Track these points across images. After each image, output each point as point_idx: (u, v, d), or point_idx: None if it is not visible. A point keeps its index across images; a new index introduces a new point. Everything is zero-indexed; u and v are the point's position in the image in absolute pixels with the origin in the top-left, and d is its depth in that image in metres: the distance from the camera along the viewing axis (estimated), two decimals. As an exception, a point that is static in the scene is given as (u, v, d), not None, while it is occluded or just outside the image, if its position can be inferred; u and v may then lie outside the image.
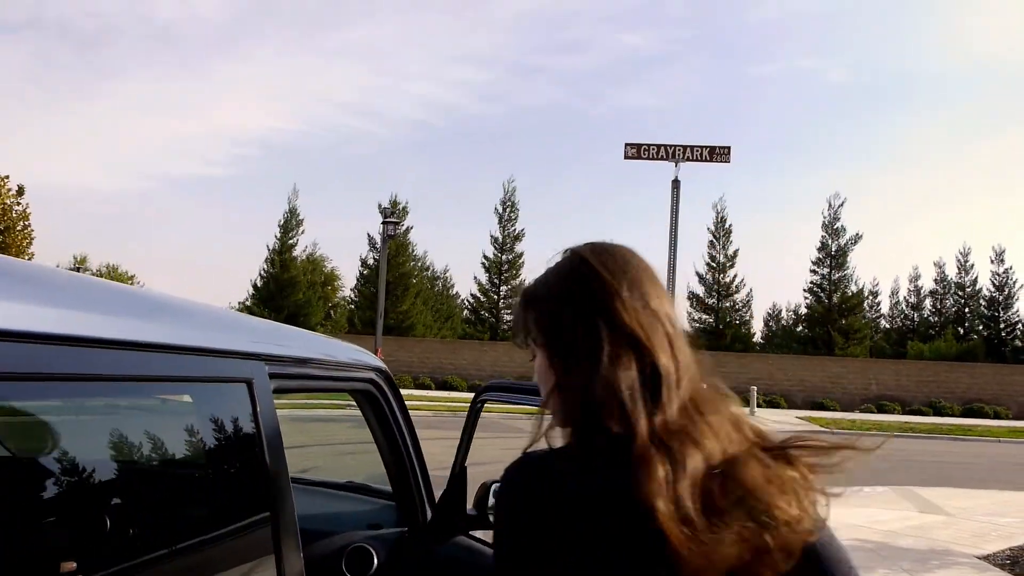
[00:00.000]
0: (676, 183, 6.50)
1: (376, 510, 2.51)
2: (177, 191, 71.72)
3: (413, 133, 73.09)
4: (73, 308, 0.92)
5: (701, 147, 6.67)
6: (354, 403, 2.25)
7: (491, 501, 2.43)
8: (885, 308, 47.05)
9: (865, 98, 72.38)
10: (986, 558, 7.07)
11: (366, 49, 73.66)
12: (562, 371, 0.96)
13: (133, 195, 71.21)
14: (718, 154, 6.73)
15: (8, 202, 29.81)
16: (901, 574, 6.40)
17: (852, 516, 9.13)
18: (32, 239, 30.63)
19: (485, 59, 73.44)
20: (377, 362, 2.22)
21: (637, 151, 6.63)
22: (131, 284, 48.49)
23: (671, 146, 6.58)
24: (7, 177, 29.64)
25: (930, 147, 71.44)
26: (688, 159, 6.70)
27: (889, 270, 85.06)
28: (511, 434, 18.26)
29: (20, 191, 30.31)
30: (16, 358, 0.79)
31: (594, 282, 0.97)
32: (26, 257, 28.01)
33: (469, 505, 2.43)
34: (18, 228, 30.22)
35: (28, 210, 30.63)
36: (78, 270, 42.79)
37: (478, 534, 2.41)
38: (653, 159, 6.69)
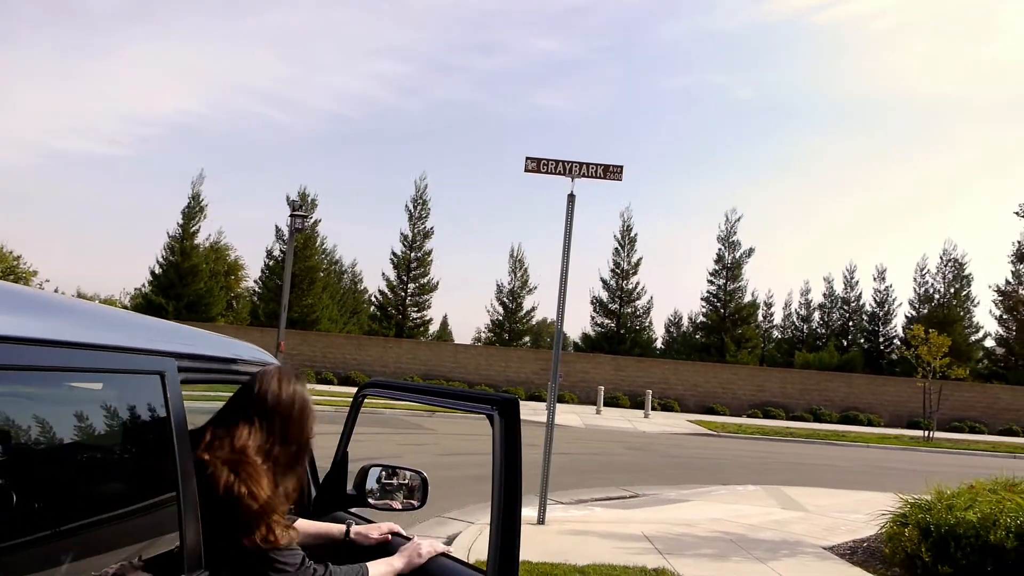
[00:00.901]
0: (571, 198, 6.87)
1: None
2: (72, 169, 68.37)
3: (327, 124, 72.12)
4: (63, 320, 1.24)
5: (596, 164, 7.10)
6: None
7: (369, 484, 2.83)
8: (778, 319, 49.56)
9: (768, 116, 75.84)
10: (831, 548, 7.87)
11: (281, 36, 72.17)
12: None
13: (20, 170, 67.38)
14: (611, 172, 7.16)
15: None
16: (753, 562, 7.09)
17: (720, 511, 9.88)
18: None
19: (402, 54, 73.20)
20: (270, 359, 2.55)
21: (536, 165, 6.97)
22: (17, 264, 45.77)
23: (568, 162, 6.96)
24: None
25: (826, 167, 75.49)
26: (583, 175, 7.09)
27: (785, 283, 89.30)
28: (410, 430, 18.53)
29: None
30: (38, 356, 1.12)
31: None
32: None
33: (350, 487, 2.83)
34: None
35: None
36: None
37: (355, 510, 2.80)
38: (551, 174, 7.04)
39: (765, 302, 47.50)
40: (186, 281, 40.69)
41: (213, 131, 69.25)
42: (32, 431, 1.26)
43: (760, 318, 46.26)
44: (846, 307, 46.89)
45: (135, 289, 47.78)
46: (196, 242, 42.20)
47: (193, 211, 42.04)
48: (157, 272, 41.50)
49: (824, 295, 47.81)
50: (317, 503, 2.73)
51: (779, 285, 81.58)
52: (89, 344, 1.40)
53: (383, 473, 2.86)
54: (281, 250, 41.66)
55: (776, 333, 49.23)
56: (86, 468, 1.43)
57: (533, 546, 7.02)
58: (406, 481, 2.88)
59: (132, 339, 1.58)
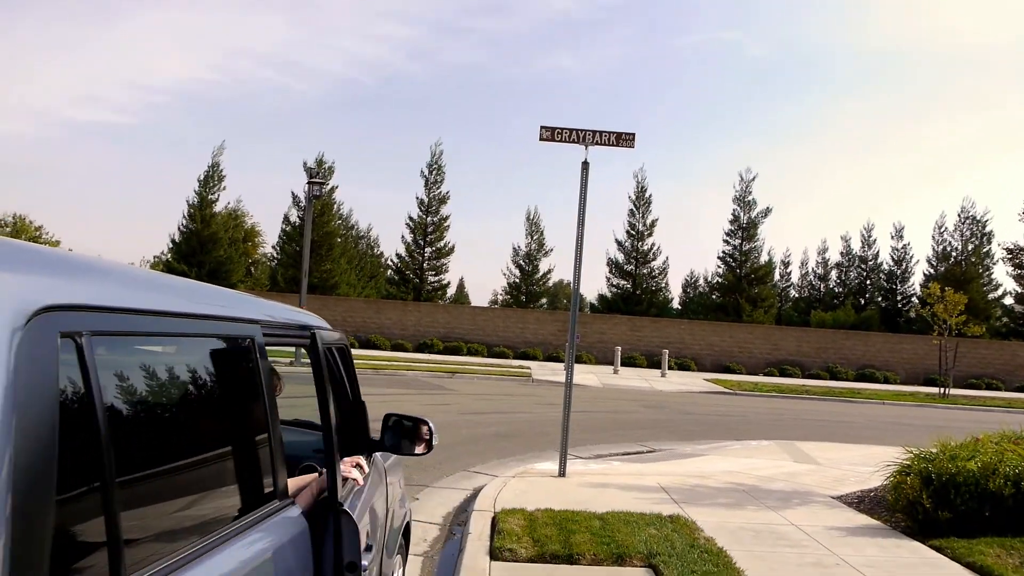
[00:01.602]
0: (585, 165, 7.07)
1: (317, 439, 3.21)
2: (84, 139, 68.84)
3: (339, 88, 71.95)
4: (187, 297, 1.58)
5: (609, 132, 7.30)
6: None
7: (389, 431, 3.22)
8: (795, 278, 49.57)
9: (782, 72, 74.82)
10: (839, 498, 8.22)
11: (289, 1, 71.73)
12: None
13: (36, 141, 67.96)
14: (624, 139, 7.35)
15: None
16: (765, 510, 7.46)
17: (733, 465, 10.27)
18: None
19: (412, 16, 72.61)
20: (325, 324, 2.90)
21: (551, 134, 7.16)
22: (39, 235, 46.37)
23: (581, 131, 7.15)
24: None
25: (841, 123, 74.59)
26: (597, 143, 7.29)
27: (801, 242, 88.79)
28: (432, 391, 19.00)
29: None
30: (144, 324, 1.45)
31: None
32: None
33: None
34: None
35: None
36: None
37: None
38: (565, 142, 7.25)
39: (782, 261, 47.59)
40: (207, 248, 41.24)
41: (223, 97, 69.42)
42: (162, 382, 1.61)
43: (776, 277, 46.34)
44: (863, 266, 46.80)
45: (154, 257, 48.49)
46: (215, 210, 42.67)
47: (211, 179, 42.44)
48: (178, 240, 42.07)
49: (841, 254, 47.77)
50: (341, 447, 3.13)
51: (796, 244, 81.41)
52: (201, 315, 1.74)
53: (399, 421, 3.24)
54: (299, 216, 42.07)
55: (793, 292, 49.34)
56: (200, 412, 1.78)
57: (555, 496, 7.43)
58: (414, 428, 3.26)
59: (231, 310, 1.91)
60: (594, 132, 8.47)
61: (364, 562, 2.28)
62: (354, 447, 3.15)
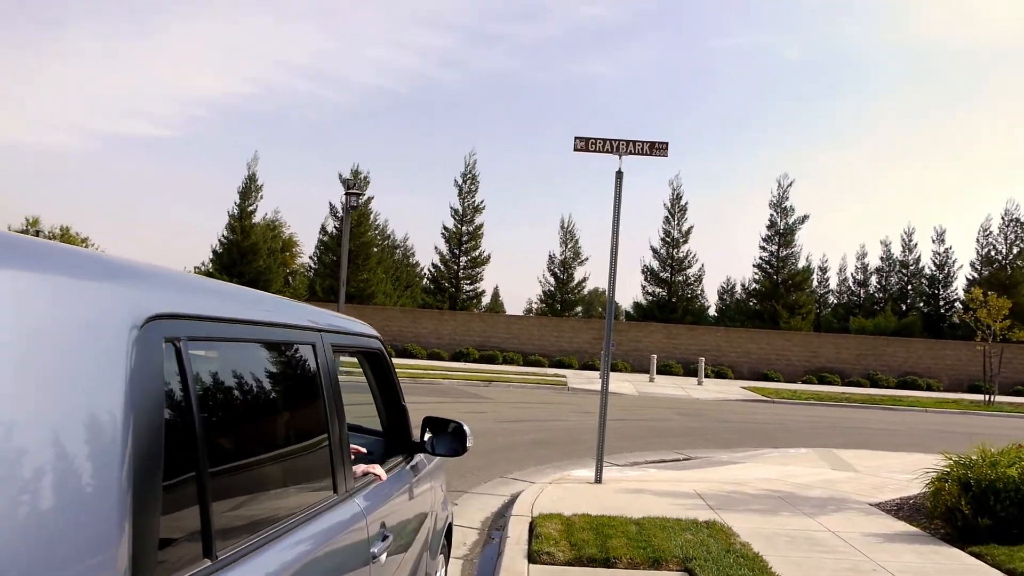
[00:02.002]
0: (619, 175, 7.15)
1: (371, 442, 3.39)
2: (126, 151, 70.57)
3: (372, 98, 72.86)
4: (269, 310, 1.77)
5: (642, 142, 7.41)
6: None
7: (427, 434, 3.38)
8: (834, 284, 48.96)
9: (819, 74, 74.05)
10: (877, 504, 8.21)
11: (321, 10, 72.87)
12: None
13: (80, 154, 69.86)
14: (657, 148, 7.45)
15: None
16: (801, 516, 7.49)
17: (770, 472, 10.27)
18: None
19: (444, 25, 73.33)
20: (374, 331, 3.08)
21: (585, 144, 7.27)
22: (84, 246, 48.02)
23: (615, 140, 7.27)
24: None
25: (880, 126, 73.55)
26: (630, 152, 7.38)
27: (839, 247, 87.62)
28: (468, 399, 19.19)
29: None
30: (228, 331, 1.63)
31: None
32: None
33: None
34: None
35: (-14, 173, 30.37)
36: (37, 233, 42.37)
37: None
38: (599, 152, 7.35)
39: (820, 267, 47.07)
40: (247, 259, 42.05)
41: (260, 109, 70.69)
42: (242, 381, 1.79)
43: (814, 283, 45.83)
44: (904, 271, 46.09)
45: (195, 268, 49.55)
46: (254, 221, 43.50)
47: (249, 191, 43.28)
48: (219, 251, 42.94)
49: (881, 259, 47.10)
50: (386, 450, 3.28)
51: (834, 249, 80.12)
52: (273, 323, 1.92)
53: (438, 423, 3.40)
54: (335, 226, 42.71)
55: (831, 298, 48.73)
56: (273, 410, 1.96)
57: (591, 502, 7.54)
58: (451, 430, 3.41)
59: (299, 319, 2.10)
60: (627, 142, 8.59)
61: (374, 550, 2.41)
62: (397, 448, 3.32)
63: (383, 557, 2.45)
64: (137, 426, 1.20)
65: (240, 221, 42.65)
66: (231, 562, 1.49)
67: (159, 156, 71.45)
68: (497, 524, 7.25)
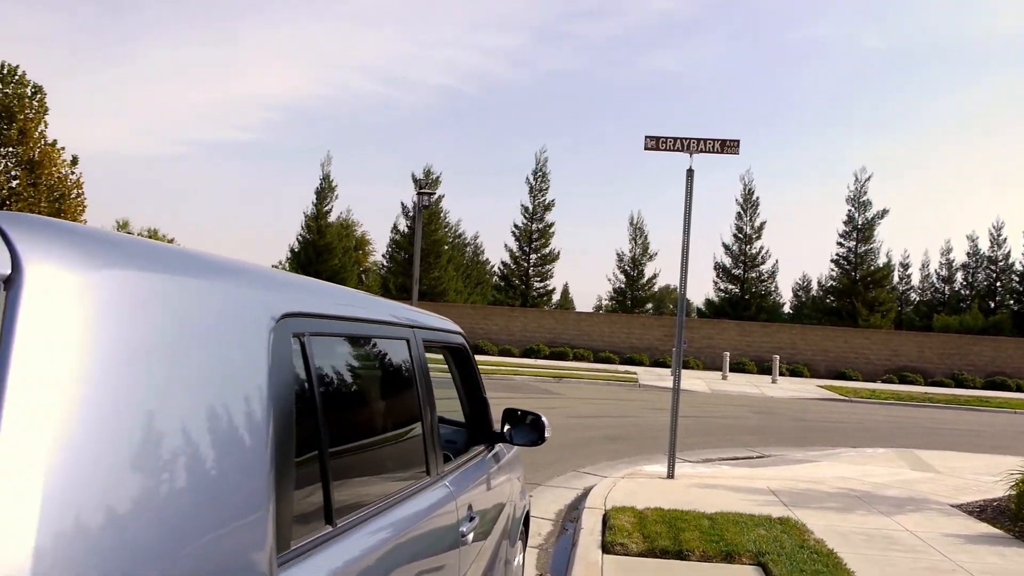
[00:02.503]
0: (690, 173, 7.15)
1: (454, 432, 3.60)
2: (209, 156, 73.31)
3: (443, 99, 73.75)
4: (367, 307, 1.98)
5: (713, 140, 7.37)
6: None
7: (507, 424, 3.56)
8: (916, 280, 47.32)
9: (902, 64, 71.49)
10: (959, 506, 8.04)
11: (393, 14, 74.10)
12: None
13: (165, 160, 72.86)
14: (728, 146, 7.40)
15: (63, 171, 31.30)
16: (878, 515, 7.41)
17: (847, 471, 10.13)
18: (85, 207, 32.17)
19: (512, 25, 73.62)
20: (458, 328, 3.28)
21: (656, 143, 7.29)
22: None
23: (686, 139, 7.26)
24: (63, 148, 31.12)
25: (964, 117, 70.54)
26: (701, 151, 7.36)
27: (922, 242, 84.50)
28: (540, 395, 19.39)
29: (74, 161, 31.77)
30: (341, 328, 1.85)
31: None
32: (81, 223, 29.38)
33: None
34: (72, 196, 31.73)
35: (81, 179, 32.13)
36: (127, 235, 44.46)
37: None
38: (670, 150, 7.36)
39: (901, 263, 45.57)
40: (323, 258, 43.22)
41: (335, 111, 72.42)
42: (353, 372, 2.01)
43: (895, 280, 44.36)
44: (992, 267, 44.22)
45: (272, 267, 51.15)
46: (329, 220, 44.68)
47: (324, 191, 44.47)
48: (296, 250, 44.27)
49: (968, 254, 45.29)
50: (468, 440, 3.47)
51: (916, 245, 77.45)
52: (377, 320, 2.14)
53: (517, 415, 3.58)
54: (407, 225, 43.50)
55: (913, 295, 47.13)
56: (376, 400, 2.18)
57: (664, 496, 7.62)
58: (530, 421, 3.58)
59: (396, 317, 2.31)
60: (698, 140, 8.62)
61: (462, 529, 2.60)
62: (479, 438, 3.52)
63: (470, 537, 2.64)
64: (276, 411, 1.41)
65: (316, 221, 43.86)
66: (347, 530, 1.70)
67: (240, 159, 74.04)
68: (571, 516, 7.41)
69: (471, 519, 2.70)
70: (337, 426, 1.79)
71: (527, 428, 3.54)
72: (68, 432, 0.94)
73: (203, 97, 71.61)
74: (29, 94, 30.92)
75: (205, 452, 1.19)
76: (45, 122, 31.18)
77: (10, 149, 30.58)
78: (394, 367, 2.27)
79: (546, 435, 3.51)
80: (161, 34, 70.59)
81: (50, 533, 0.89)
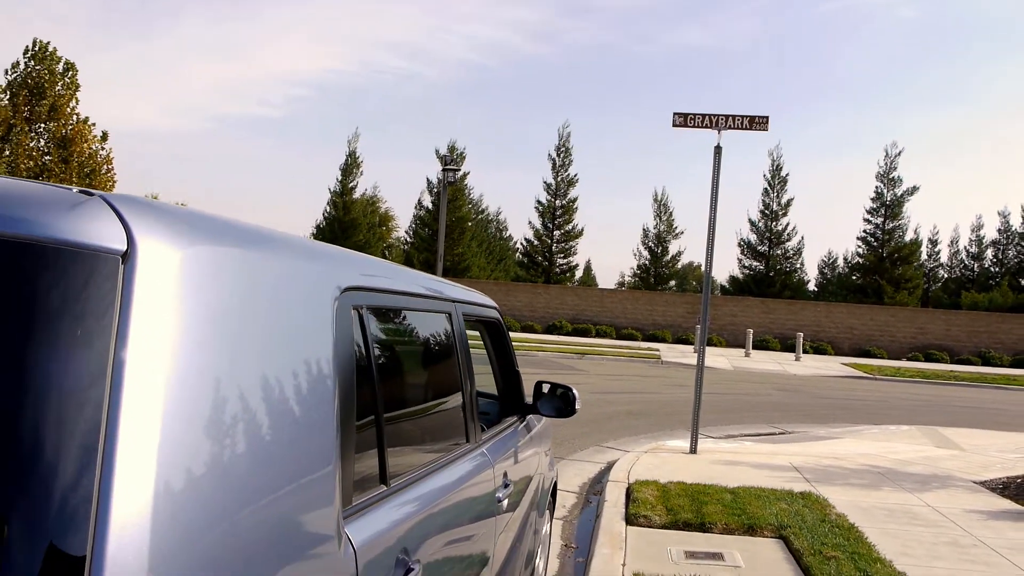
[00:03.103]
0: (718, 150, 7.14)
1: (488, 404, 3.73)
2: (235, 132, 73.76)
3: (466, 74, 73.45)
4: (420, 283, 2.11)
5: (742, 116, 7.35)
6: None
7: (538, 396, 3.69)
8: (944, 257, 46.69)
9: (935, 34, 69.99)
10: (982, 483, 8.08)
11: (419, -11, 73.69)
12: None
13: (193, 135, 73.41)
14: (757, 123, 7.37)
15: (94, 147, 31.71)
16: (901, 492, 7.48)
17: (870, 448, 10.19)
18: (115, 182, 32.59)
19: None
20: (495, 304, 3.40)
21: (684, 120, 7.27)
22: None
23: (714, 116, 7.24)
24: (93, 124, 31.51)
25: (998, 90, 69.07)
26: (729, 127, 7.35)
27: (951, 218, 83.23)
28: (563, 371, 19.53)
29: (104, 137, 32.16)
30: (394, 301, 1.97)
31: None
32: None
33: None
34: (102, 172, 32.17)
35: (111, 154, 32.54)
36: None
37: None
38: (698, 127, 7.35)
39: (929, 239, 44.95)
40: (348, 234, 43.51)
41: (359, 86, 72.46)
42: (404, 342, 2.15)
43: (923, 257, 43.83)
44: None
45: (302, 241, 51.56)
46: (354, 197, 44.93)
47: (350, 167, 44.67)
48: (322, 226, 44.60)
49: (999, 231, 44.58)
50: (500, 410, 3.61)
51: (945, 221, 76.40)
52: (425, 295, 2.26)
53: (547, 388, 3.70)
54: (431, 201, 43.64)
55: (941, 272, 46.52)
56: (423, 369, 2.31)
57: (686, 471, 7.75)
58: (561, 393, 3.70)
59: (439, 292, 2.44)
60: (727, 116, 8.63)
61: (498, 494, 2.74)
62: (512, 409, 3.65)
63: (504, 503, 2.78)
64: (340, 378, 1.53)
65: (341, 197, 44.13)
66: (399, 489, 1.83)
67: (265, 135, 74.47)
68: (594, 489, 7.56)
69: (506, 486, 2.84)
70: (390, 394, 1.92)
71: (558, 400, 3.67)
72: (174, 390, 1.06)
73: (231, 74, 72.05)
74: (61, 70, 31.28)
75: (284, 413, 1.32)
76: (76, 98, 31.54)
77: (42, 125, 31.03)
78: (438, 339, 2.40)
79: (576, 407, 3.63)
80: (189, 12, 70.90)
81: (163, 485, 1.01)
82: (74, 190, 1.11)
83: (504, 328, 3.50)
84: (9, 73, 30.89)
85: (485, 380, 3.72)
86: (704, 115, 8.71)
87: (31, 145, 30.92)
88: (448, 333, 2.46)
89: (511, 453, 3.13)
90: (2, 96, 30.48)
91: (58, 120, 30.97)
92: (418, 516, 1.90)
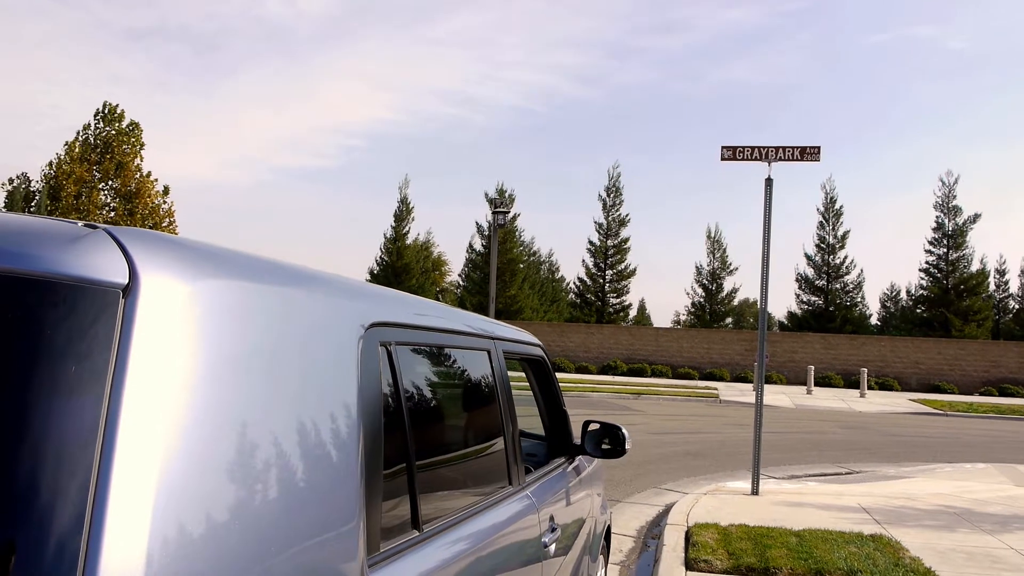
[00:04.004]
0: (769, 182, 6.98)
1: (534, 445, 3.63)
2: (292, 183, 75.76)
3: (515, 118, 74.39)
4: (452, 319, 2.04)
5: (792, 148, 7.18)
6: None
7: (588, 437, 3.55)
8: (1014, 287, 44.91)
9: (988, 65, 68.46)
10: (1069, 525, 7.57)
11: (467, 38, 75.27)
12: None
13: (251, 187, 75.59)
14: (808, 153, 7.19)
15: (156, 201, 32.89)
16: (980, 534, 7.05)
17: (944, 487, 9.68)
18: (177, 235, 33.70)
19: (582, 43, 73.72)
20: (536, 340, 3.32)
21: (732, 153, 7.14)
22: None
23: (764, 148, 7.09)
24: (156, 180, 32.76)
25: (1065, 115, 66.88)
26: (780, 159, 7.18)
27: (1020, 247, 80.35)
28: (619, 411, 19.21)
29: (165, 191, 33.37)
30: (425, 338, 1.91)
31: None
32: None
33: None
34: (164, 225, 33.29)
35: (173, 208, 33.71)
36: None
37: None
38: (747, 160, 7.19)
39: (997, 270, 43.35)
40: (401, 279, 44.01)
41: (409, 135, 73.92)
42: (437, 380, 2.07)
43: (992, 288, 42.23)
44: (1100, 271, 41.63)
45: (356, 287, 52.34)
46: (407, 242, 45.54)
47: (403, 214, 45.37)
48: (376, 272, 45.22)
49: (1071, 258, 42.71)
50: (548, 452, 3.48)
51: (1014, 250, 73.62)
52: (460, 331, 2.19)
53: (596, 427, 3.56)
54: (483, 244, 43.92)
55: (1012, 303, 44.71)
56: (459, 409, 2.23)
57: (748, 513, 7.44)
58: (609, 433, 3.56)
59: (477, 328, 2.37)
60: (776, 148, 8.47)
61: (544, 539, 2.60)
62: (559, 449, 3.53)
63: (552, 548, 2.66)
64: (366, 416, 1.47)
65: (395, 243, 44.77)
66: (434, 534, 1.74)
67: (320, 185, 76.36)
68: (652, 533, 7.31)
69: (553, 530, 2.72)
70: (422, 435, 1.84)
71: (607, 440, 3.54)
72: (176, 435, 1.00)
73: (286, 127, 74.26)
74: (127, 130, 32.68)
75: (301, 457, 1.25)
76: (141, 156, 32.87)
77: (108, 181, 32.34)
78: (476, 377, 2.32)
79: (627, 447, 3.50)
80: (245, 67, 73.64)
81: (160, 534, 0.94)
82: (79, 224, 1.08)
83: (549, 366, 3.39)
84: (81, 134, 32.39)
85: (531, 422, 3.62)
86: (753, 147, 8.56)
87: (100, 200, 32.23)
88: (487, 371, 2.38)
89: (559, 496, 3.01)
90: (75, 156, 31.93)
91: (124, 176, 32.26)
92: (455, 562, 1.80)
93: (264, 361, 1.21)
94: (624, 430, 3.54)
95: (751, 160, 8.53)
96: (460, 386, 2.21)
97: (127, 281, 1.00)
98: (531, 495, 2.60)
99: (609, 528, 4.56)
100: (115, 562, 0.88)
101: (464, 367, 2.25)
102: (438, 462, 1.96)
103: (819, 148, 8.44)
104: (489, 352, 2.42)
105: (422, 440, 1.82)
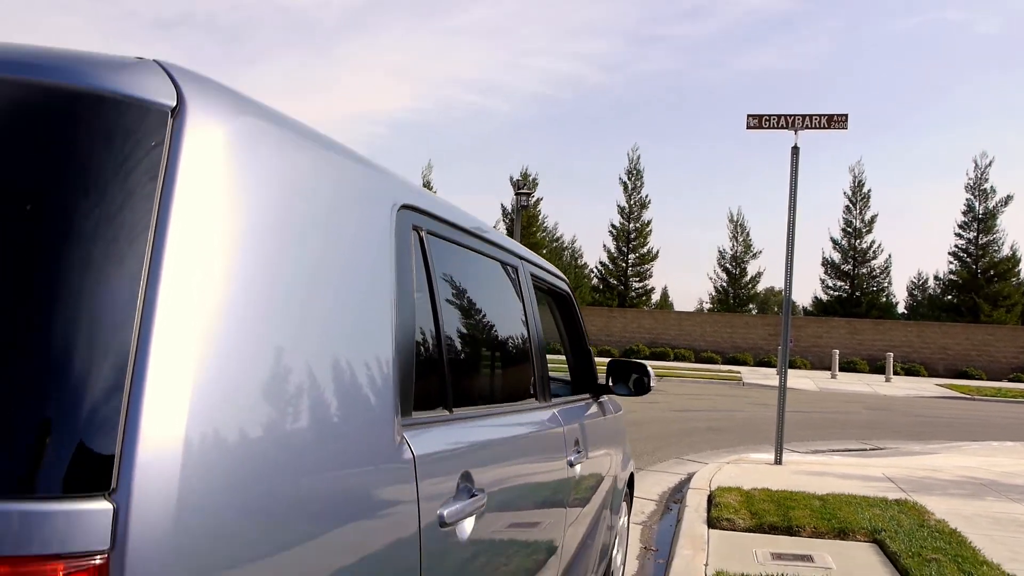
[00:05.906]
0: (795, 150, 6.87)
1: (559, 387, 3.65)
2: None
3: (537, 107, 74.09)
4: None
5: (819, 115, 7.06)
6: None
7: (613, 377, 3.57)
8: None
9: (1018, 48, 67.08)
10: (1097, 495, 7.48)
11: (489, 27, 74.99)
12: None
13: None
14: (836, 121, 7.07)
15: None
16: (1007, 502, 6.99)
17: (971, 462, 9.60)
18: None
19: (604, 30, 73.11)
20: (566, 278, 3.34)
21: (758, 121, 7.06)
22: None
23: (790, 115, 7.00)
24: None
25: (1100, 99, 65.42)
26: (806, 127, 7.08)
27: (1051, 234, 78.87)
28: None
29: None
30: (453, 235, 1.94)
31: None
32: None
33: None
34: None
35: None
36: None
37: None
38: (773, 128, 7.12)
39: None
40: (423, 262, 44.18)
41: (433, 122, 73.89)
42: (465, 280, 2.10)
43: (1023, 273, 41.53)
44: None
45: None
46: (430, 226, 45.67)
47: (426, 197, 45.47)
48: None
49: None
50: (574, 390, 3.51)
51: (1046, 237, 72.14)
52: (489, 239, 2.23)
53: (621, 367, 3.58)
54: (507, 228, 43.91)
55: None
56: (487, 309, 2.26)
57: (770, 479, 7.44)
58: (635, 372, 3.58)
59: (505, 243, 2.41)
60: (803, 116, 8.38)
61: (571, 457, 2.65)
62: (584, 388, 3.55)
63: (577, 468, 2.69)
64: (399, 289, 1.50)
65: (416, 226, 44.92)
66: (464, 418, 1.78)
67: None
68: (674, 498, 7.33)
69: (578, 452, 2.75)
70: (453, 325, 1.88)
71: (632, 377, 3.56)
72: (222, 266, 1.03)
73: (311, 116, 74.68)
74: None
75: (338, 321, 1.29)
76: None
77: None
78: (505, 287, 2.35)
79: (652, 384, 3.52)
80: (272, 58, 74.01)
81: (204, 377, 0.97)
82: (130, 57, 1.12)
83: (575, 302, 3.42)
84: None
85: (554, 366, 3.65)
86: (779, 116, 8.48)
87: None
88: (516, 287, 2.41)
89: (584, 424, 3.03)
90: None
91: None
92: (483, 448, 1.84)
93: (302, 219, 1.24)
94: (649, 368, 3.56)
95: (777, 128, 8.45)
96: (489, 293, 2.24)
97: (175, 103, 1.04)
98: (557, 415, 2.63)
99: (632, 479, 4.57)
100: (160, 402, 0.91)
101: (494, 277, 2.28)
102: (468, 358, 1.99)
103: (846, 116, 8.35)
104: (518, 269, 2.45)
105: (454, 330, 1.86)
